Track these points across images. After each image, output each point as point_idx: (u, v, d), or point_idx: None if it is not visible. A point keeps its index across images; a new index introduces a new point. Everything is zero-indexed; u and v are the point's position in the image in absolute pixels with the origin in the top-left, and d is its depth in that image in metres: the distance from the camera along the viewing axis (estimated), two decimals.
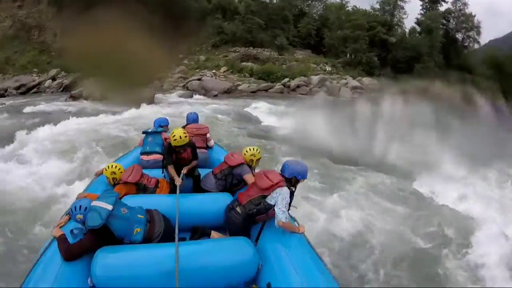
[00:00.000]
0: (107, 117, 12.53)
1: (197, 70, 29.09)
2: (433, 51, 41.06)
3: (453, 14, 45.41)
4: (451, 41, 44.95)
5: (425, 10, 44.32)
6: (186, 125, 5.73)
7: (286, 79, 28.76)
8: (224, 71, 29.83)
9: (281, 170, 3.63)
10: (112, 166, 4.30)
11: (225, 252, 3.06)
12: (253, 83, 27.99)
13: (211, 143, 5.74)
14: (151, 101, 17.32)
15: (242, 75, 29.54)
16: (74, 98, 19.21)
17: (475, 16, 45.18)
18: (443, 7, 45.64)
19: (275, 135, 11.51)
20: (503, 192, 7.27)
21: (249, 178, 4.22)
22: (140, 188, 4.20)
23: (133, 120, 12.30)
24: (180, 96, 22.27)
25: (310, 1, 45.96)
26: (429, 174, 7.75)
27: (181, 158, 4.40)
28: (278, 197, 3.37)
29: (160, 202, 3.72)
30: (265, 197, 3.48)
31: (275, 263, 3.08)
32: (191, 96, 22.89)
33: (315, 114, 13.19)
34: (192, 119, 5.97)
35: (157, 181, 4.39)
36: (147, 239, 3.14)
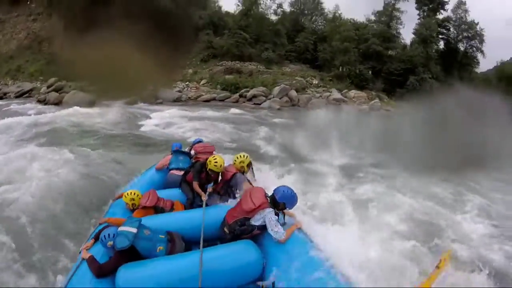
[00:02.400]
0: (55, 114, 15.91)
1: (179, 83, 30.76)
2: (429, 62, 40.19)
3: (453, 22, 43.93)
4: (451, 51, 43.83)
5: (422, 19, 43.07)
6: (194, 144, 6.42)
7: (244, 89, 29.67)
8: (204, 84, 31.31)
9: (274, 191, 3.72)
10: (131, 193, 4.58)
11: (233, 255, 3.42)
12: (217, 93, 29.42)
13: None
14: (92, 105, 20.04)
15: (215, 87, 30.87)
16: (39, 101, 22.74)
17: (478, 23, 43.16)
18: (442, 15, 44.22)
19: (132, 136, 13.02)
20: None
21: (246, 186, 4.46)
22: (158, 210, 4.50)
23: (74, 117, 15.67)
24: (125, 103, 22.35)
25: (311, 16, 46.54)
26: None
27: (209, 179, 4.75)
28: (266, 219, 3.55)
29: (175, 218, 4.17)
30: (248, 219, 3.64)
31: (278, 260, 3.40)
32: (136, 103, 23.20)
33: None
34: (198, 140, 6.76)
35: (172, 204, 4.67)
36: None
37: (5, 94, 29.37)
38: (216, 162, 4.58)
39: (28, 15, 38.60)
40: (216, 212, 4.15)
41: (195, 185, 4.64)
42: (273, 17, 41.96)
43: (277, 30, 38.99)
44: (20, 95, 28.30)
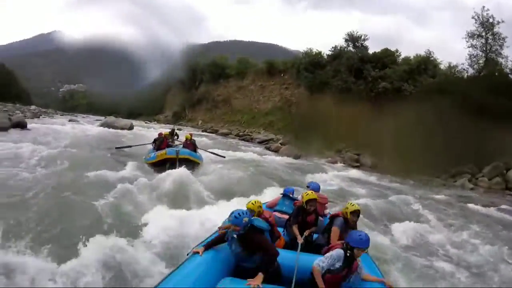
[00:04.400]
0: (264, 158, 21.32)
1: None
2: None
3: None
4: None
5: None
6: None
7: None
8: None
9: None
10: (258, 201, 4.68)
11: None
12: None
13: (327, 211, 6.22)
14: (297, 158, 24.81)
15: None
16: (265, 148, 30.84)
17: None
18: None
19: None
20: None
21: (333, 230, 4.57)
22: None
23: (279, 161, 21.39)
24: (326, 161, 25.67)
25: None
26: None
27: (305, 221, 4.87)
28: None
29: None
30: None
31: None
32: (336, 162, 25.49)
33: None
34: (313, 187, 6.28)
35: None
36: None
37: (252, 138, 39.49)
38: (307, 194, 4.90)
39: (281, 84, 48.83)
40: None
41: (295, 228, 4.83)
42: None
43: None
44: (261, 142, 36.47)
